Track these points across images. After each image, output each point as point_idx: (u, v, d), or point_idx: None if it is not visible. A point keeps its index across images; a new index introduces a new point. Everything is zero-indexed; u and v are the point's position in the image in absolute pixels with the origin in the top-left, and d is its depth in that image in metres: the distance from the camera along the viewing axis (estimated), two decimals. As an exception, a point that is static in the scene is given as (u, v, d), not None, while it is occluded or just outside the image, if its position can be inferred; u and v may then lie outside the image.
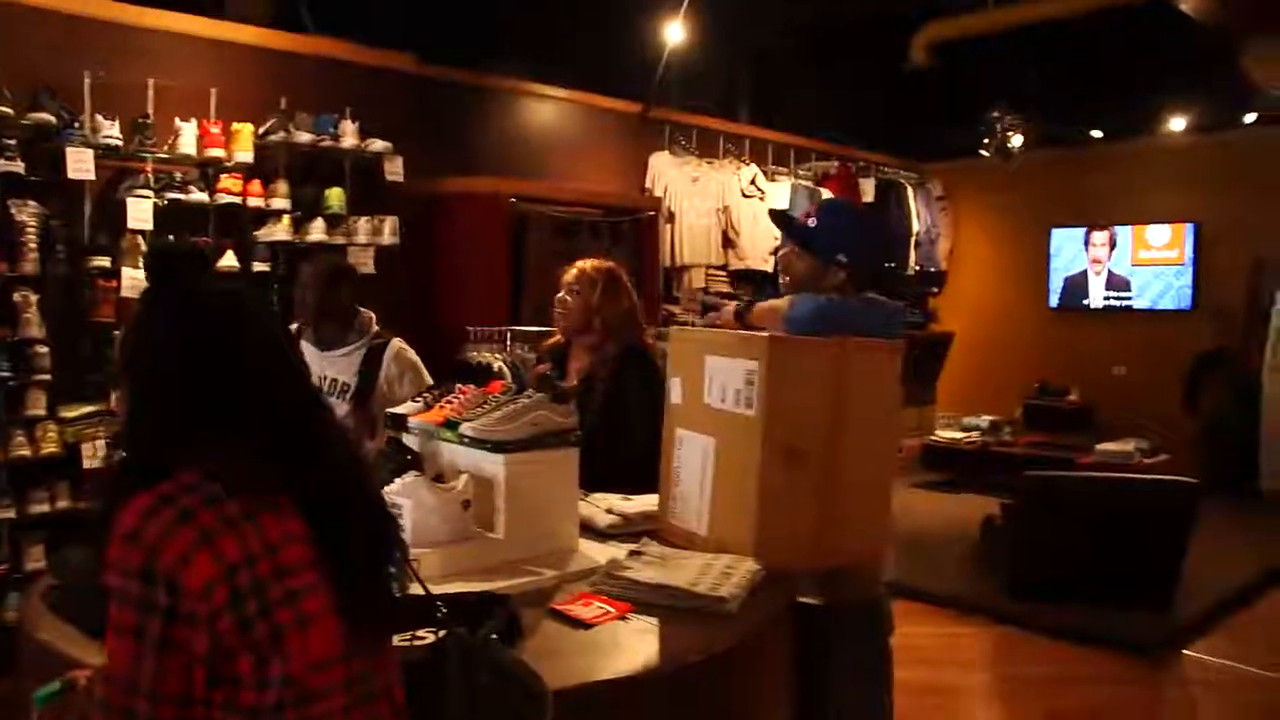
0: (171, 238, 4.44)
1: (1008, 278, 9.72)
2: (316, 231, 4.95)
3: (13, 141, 4.09)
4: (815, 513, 2.32)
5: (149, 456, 1.31)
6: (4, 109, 4.05)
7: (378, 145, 5.15)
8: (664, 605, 2.01)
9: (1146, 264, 8.85)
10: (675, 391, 2.53)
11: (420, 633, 1.59)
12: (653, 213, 6.75)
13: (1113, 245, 9.02)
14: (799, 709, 2.32)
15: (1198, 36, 6.48)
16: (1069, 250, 9.28)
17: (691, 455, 2.44)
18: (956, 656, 4.77)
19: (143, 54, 4.66)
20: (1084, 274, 9.20)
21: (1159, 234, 8.77)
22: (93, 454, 4.24)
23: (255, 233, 4.83)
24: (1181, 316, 8.61)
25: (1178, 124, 8.51)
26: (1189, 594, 5.15)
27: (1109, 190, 8.96)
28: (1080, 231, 9.17)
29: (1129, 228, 8.91)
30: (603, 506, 2.68)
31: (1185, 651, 4.70)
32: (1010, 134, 7.87)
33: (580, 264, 3.35)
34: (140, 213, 4.36)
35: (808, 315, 2.43)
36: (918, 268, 9.33)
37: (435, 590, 1.62)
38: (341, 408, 3.42)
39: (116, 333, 4.30)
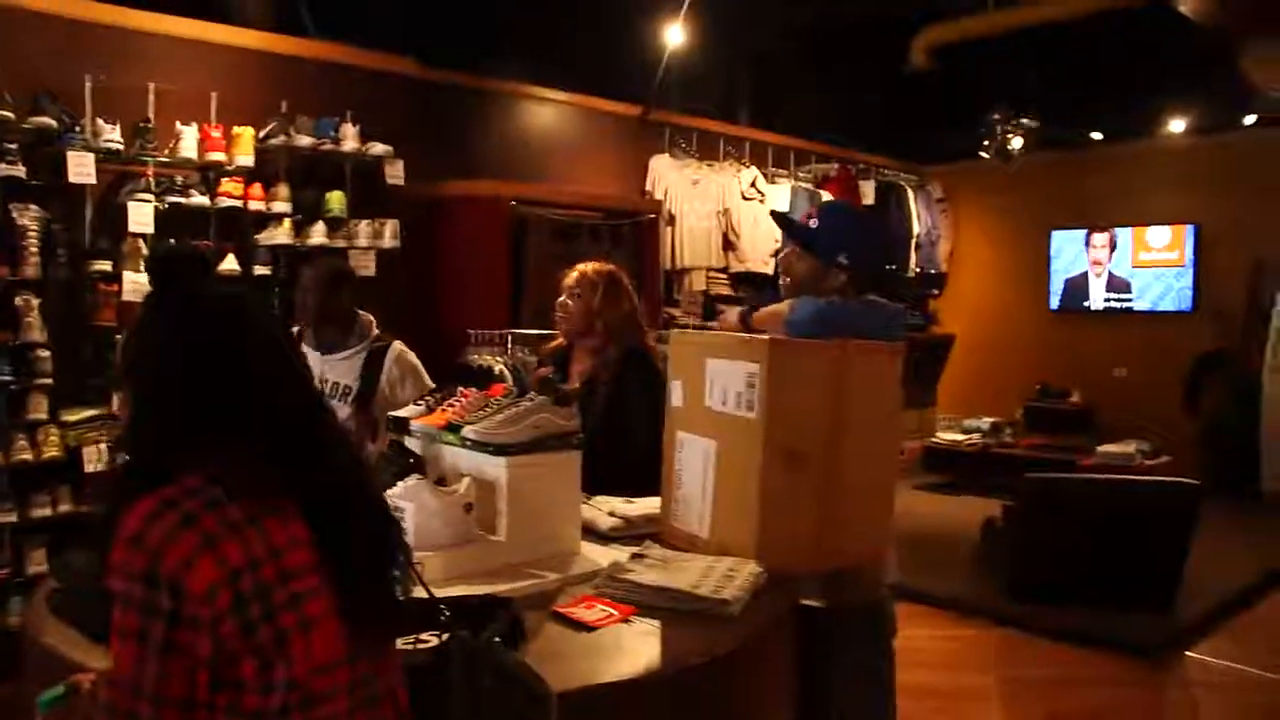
0: (173, 241, 4.44)
1: (1008, 280, 9.72)
2: (317, 235, 4.95)
3: (14, 145, 4.09)
4: (817, 515, 2.32)
5: (152, 460, 1.31)
6: (5, 113, 4.05)
7: (378, 149, 5.15)
8: (666, 608, 2.01)
9: (1147, 265, 8.85)
10: (676, 394, 2.53)
11: (423, 636, 1.60)
12: (653, 215, 6.76)
13: (1113, 247, 9.03)
14: (801, 711, 2.32)
15: (1197, 38, 6.49)
16: (1069, 252, 9.28)
17: (693, 458, 2.44)
18: (958, 659, 4.77)
19: (143, 58, 4.67)
20: (1084, 276, 9.21)
21: (1159, 235, 8.77)
22: (94, 458, 4.24)
23: (256, 236, 4.84)
24: (1182, 318, 8.61)
25: (1177, 126, 8.52)
26: (1190, 595, 5.15)
27: (1109, 192, 8.97)
28: (1080, 233, 9.17)
29: (1129, 229, 8.92)
30: (604, 509, 2.68)
31: (1187, 653, 4.70)
32: (1010, 136, 7.87)
33: (580, 267, 3.36)
34: (141, 216, 4.36)
35: (808, 317, 2.44)
36: (918, 270, 9.33)
37: (438, 593, 1.62)
38: (343, 411, 3.43)
39: (118, 336, 4.31)
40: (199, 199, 4.59)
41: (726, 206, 7.61)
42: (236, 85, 4.92)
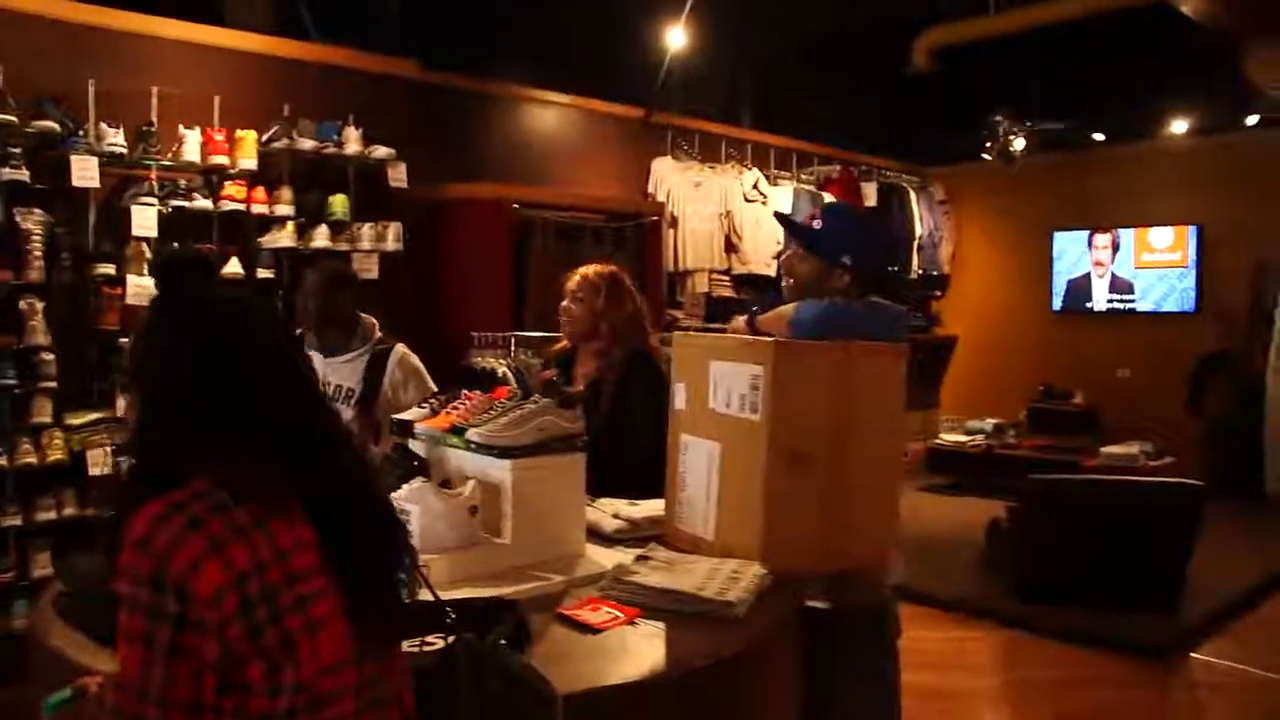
0: (176, 245, 4.44)
1: (1011, 281, 9.71)
2: (320, 238, 4.95)
3: (18, 150, 4.10)
4: (821, 517, 2.32)
5: (159, 464, 1.32)
6: (9, 117, 4.06)
7: (381, 152, 5.16)
8: (671, 610, 2.01)
9: (1149, 266, 8.84)
10: (680, 397, 2.53)
11: (429, 638, 1.60)
12: (655, 218, 6.76)
13: (1115, 248, 9.02)
14: (806, 713, 2.32)
15: (1199, 39, 6.49)
16: (1072, 253, 9.28)
17: (697, 460, 2.44)
18: (963, 660, 4.76)
19: (146, 62, 4.67)
20: (1087, 277, 9.20)
21: (1162, 236, 8.76)
22: (99, 461, 4.24)
23: (259, 239, 4.84)
24: (1185, 319, 8.60)
25: (1180, 127, 8.50)
26: (1195, 597, 5.14)
27: (1111, 193, 8.96)
28: (1083, 234, 9.17)
29: (1131, 230, 8.91)
30: (609, 511, 2.68)
31: (1191, 654, 4.70)
32: (1012, 137, 7.87)
33: (582, 270, 3.36)
34: (144, 220, 4.36)
35: (812, 319, 2.44)
36: (920, 271, 9.32)
37: (443, 596, 1.62)
38: (346, 413, 3.43)
39: (122, 340, 4.32)
40: (202, 202, 4.59)
41: (729, 208, 7.62)
42: (239, 89, 4.93)
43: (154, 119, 4.56)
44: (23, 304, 4.12)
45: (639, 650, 1.87)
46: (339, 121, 5.11)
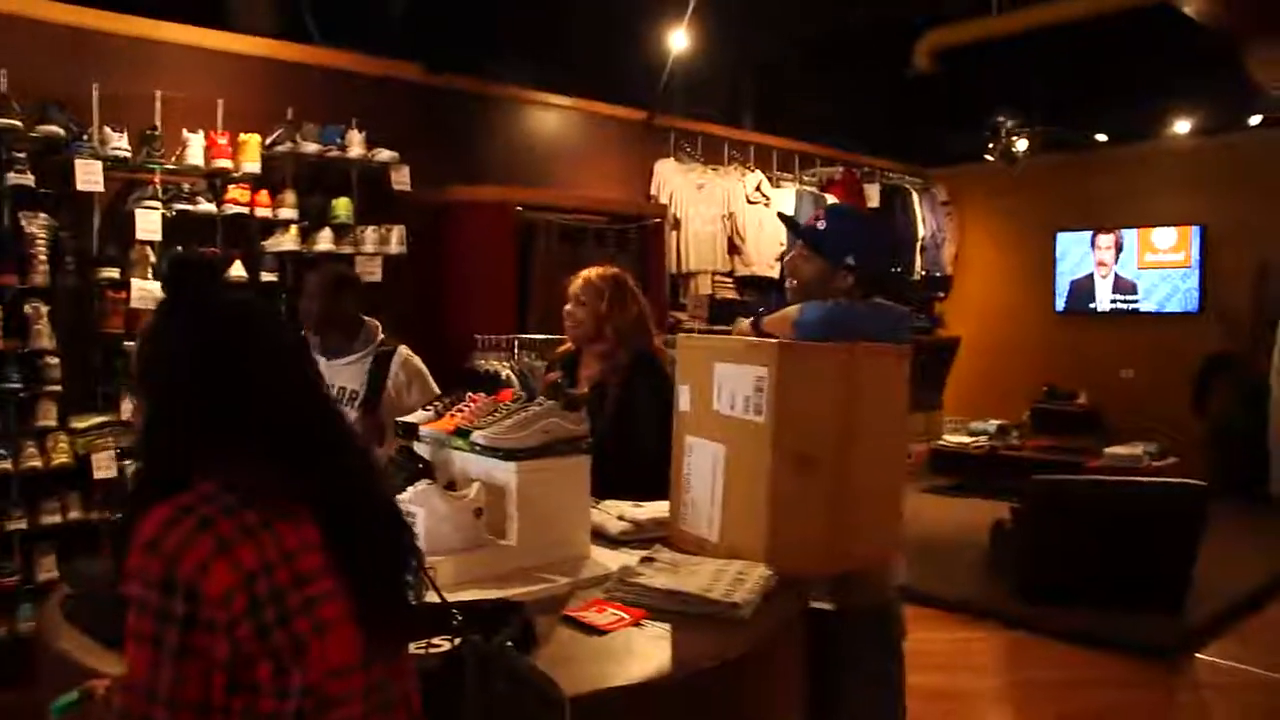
0: (180, 248, 4.45)
1: (1013, 282, 9.71)
2: (324, 241, 4.96)
3: (22, 154, 4.12)
4: (826, 518, 2.32)
5: (166, 467, 1.32)
6: (13, 122, 4.07)
7: (384, 155, 5.17)
8: (677, 611, 2.01)
9: (1153, 267, 8.84)
10: (684, 399, 2.53)
11: (435, 640, 1.60)
12: (658, 219, 6.76)
13: (1119, 248, 9.01)
14: (811, 714, 2.32)
15: (1201, 39, 6.48)
16: (1075, 254, 9.27)
17: (702, 462, 2.44)
18: (967, 661, 4.76)
19: (150, 66, 4.69)
20: (1090, 277, 9.19)
21: (1165, 237, 8.76)
22: (104, 465, 4.25)
23: (263, 243, 4.85)
24: (1189, 319, 8.60)
25: (1182, 127, 8.50)
26: (1199, 598, 5.14)
27: (1114, 193, 8.96)
28: (1086, 235, 9.16)
29: (1134, 231, 8.90)
30: (614, 513, 2.68)
31: (1196, 655, 4.70)
32: (1014, 138, 7.87)
33: (585, 274, 3.35)
34: (149, 224, 4.38)
35: (817, 320, 2.44)
36: (923, 272, 9.32)
37: (449, 598, 1.63)
38: (350, 415, 3.43)
39: (127, 344, 4.33)
40: (206, 206, 4.61)
41: (731, 210, 7.62)
42: (242, 92, 4.94)
43: (158, 123, 4.57)
44: (28, 308, 4.14)
45: (645, 652, 1.87)
46: (342, 125, 5.12)
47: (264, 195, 4.79)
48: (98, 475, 4.24)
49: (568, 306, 3.33)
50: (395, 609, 1.39)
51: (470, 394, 2.67)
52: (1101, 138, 8.97)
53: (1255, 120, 8.04)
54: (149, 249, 4.40)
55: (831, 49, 7.76)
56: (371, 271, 5.06)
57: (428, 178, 5.47)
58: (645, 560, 2.28)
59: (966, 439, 8.73)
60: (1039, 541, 5.31)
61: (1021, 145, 7.89)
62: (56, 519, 4.20)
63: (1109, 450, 7.56)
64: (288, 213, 4.85)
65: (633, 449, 2.88)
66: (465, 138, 6.25)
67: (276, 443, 1.32)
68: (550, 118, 6.89)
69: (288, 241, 4.85)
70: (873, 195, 8.73)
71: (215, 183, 4.73)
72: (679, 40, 6.67)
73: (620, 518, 2.65)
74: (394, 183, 5.22)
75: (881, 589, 2.60)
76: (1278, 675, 4.47)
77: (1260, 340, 7.86)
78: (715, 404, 2.39)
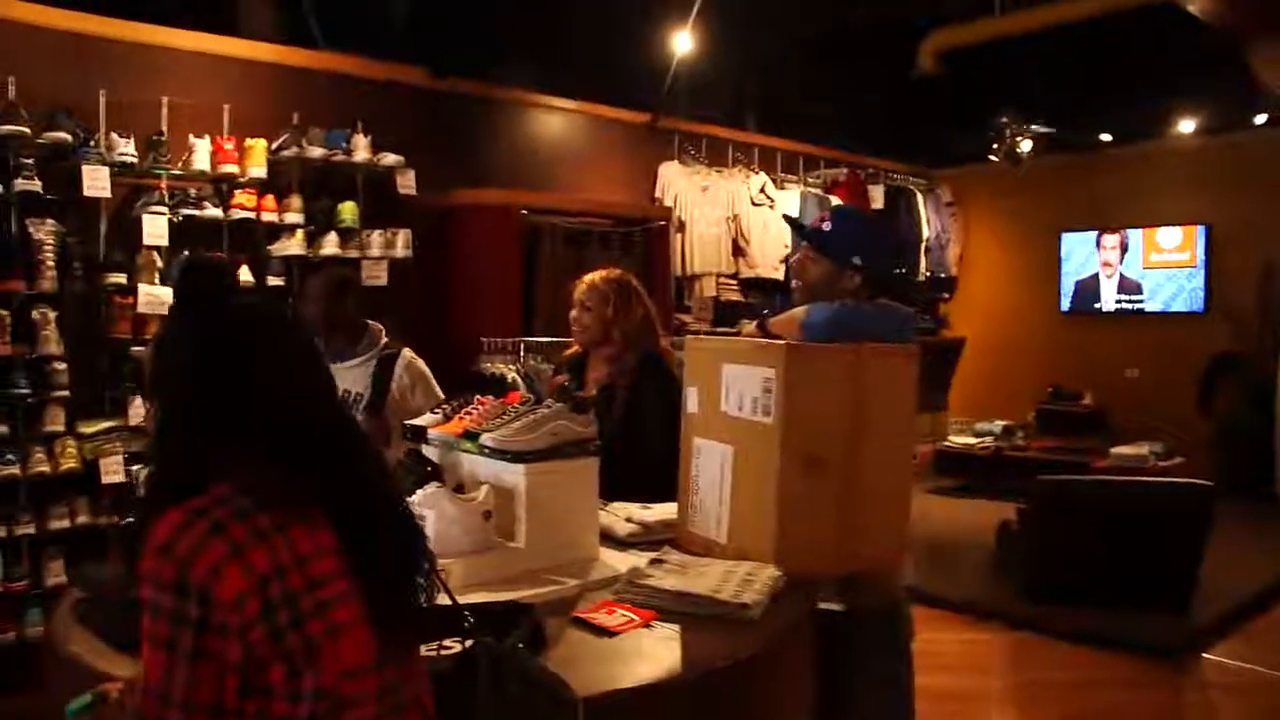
0: (187, 253, 4.46)
1: (1019, 282, 9.71)
2: (330, 245, 4.97)
3: (30, 160, 4.13)
4: (835, 519, 2.33)
5: (180, 471, 1.33)
6: (21, 128, 4.09)
7: (390, 159, 5.18)
8: (687, 612, 2.01)
9: (1158, 266, 8.83)
10: (692, 400, 2.53)
11: (447, 642, 1.60)
12: (663, 222, 6.77)
13: (1124, 248, 9.01)
14: (820, 715, 2.32)
15: (1206, 39, 6.47)
16: (1080, 254, 9.27)
17: (710, 464, 2.44)
18: (974, 662, 4.76)
19: (156, 72, 4.70)
20: (1095, 277, 9.19)
21: (1170, 236, 8.75)
22: (112, 470, 4.26)
23: (269, 247, 4.86)
24: (1194, 319, 8.59)
25: (1187, 126, 8.48)
26: (1206, 598, 5.13)
27: (1119, 193, 8.95)
28: (1091, 235, 9.16)
29: (1139, 231, 8.90)
30: (622, 515, 2.68)
31: (1203, 655, 4.69)
32: (1019, 139, 7.86)
33: (589, 278, 3.35)
34: (156, 229, 4.39)
35: (824, 321, 2.44)
36: (928, 273, 9.32)
37: (459, 600, 1.63)
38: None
39: (134, 349, 4.34)
40: (212, 211, 4.62)
41: (736, 212, 7.62)
42: (248, 98, 4.95)
43: (164, 128, 4.59)
44: (35, 314, 4.15)
45: (655, 653, 1.87)
46: (347, 129, 5.13)
47: (270, 200, 4.80)
48: (106, 480, 4.25)
49: (573, 312, 3.33)
50: (408, 611, 1.39)
51: (479, 397, 2.67)
52: (1106, 138, 8.96)
53: (1260, 119, 8.03)
54: (156, 254, 4.41)
55: (835, 50, 7.75)
56: (377, 275, 5.07)
57: (433, 181, 5.48)
58: (654, 562, 2.28)
59: (972, 440, 8.71)
60: (1045, 542, 5.30)
61: (1026, 146, 7.87)
62: (65, 524, 4.21)
63: (1115, 450, 7.54)
64: (294, 217, 4.87)
65: (641, 451, 2.89)
66: (470, 141, 6.27)
67: (289, 446, 1.33)
68: (554, 121, 6.90)
69: (294, 246, 4.86)
70: (877, 196, 8.73)
71: (221, 188, 4.74)
72: (683, 42, 6.68)
73: (628, 519, 2.66)
74: (399, 187, 5.23)
75: (890, 590, 2.61)
76: (1286, 675, 4.47)
77: (1266, 340, 7.87)
78: (723, 405, 2.39)
